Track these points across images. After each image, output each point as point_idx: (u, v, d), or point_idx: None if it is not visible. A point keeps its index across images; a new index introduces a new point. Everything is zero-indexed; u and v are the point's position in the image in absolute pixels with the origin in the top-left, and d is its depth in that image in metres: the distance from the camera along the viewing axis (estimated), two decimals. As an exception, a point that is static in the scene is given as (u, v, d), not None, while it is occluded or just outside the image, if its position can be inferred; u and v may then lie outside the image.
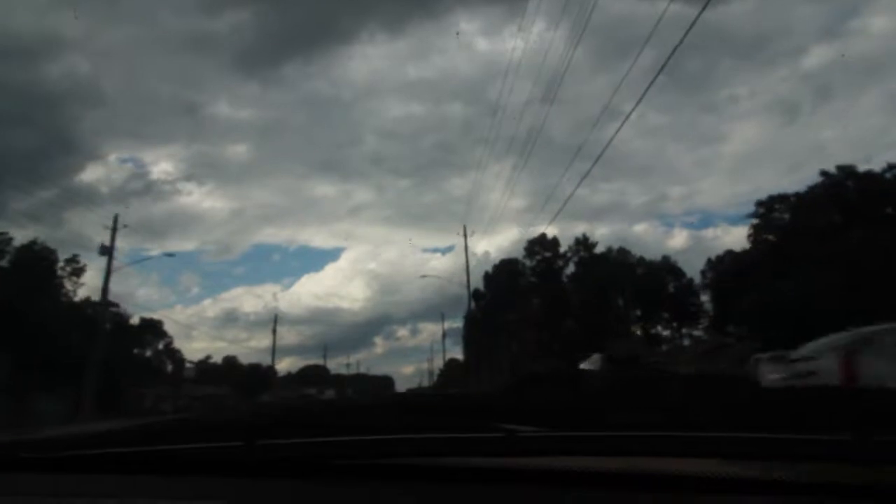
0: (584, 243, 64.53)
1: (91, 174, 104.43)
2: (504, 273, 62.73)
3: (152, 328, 71.73)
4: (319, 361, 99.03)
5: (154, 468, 1.30)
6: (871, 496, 0.95)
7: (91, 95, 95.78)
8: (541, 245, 61.18)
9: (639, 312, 62.33)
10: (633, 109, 14.28)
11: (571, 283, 61.58)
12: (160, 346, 74.25)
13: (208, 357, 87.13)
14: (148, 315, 70.35)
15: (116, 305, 57.11)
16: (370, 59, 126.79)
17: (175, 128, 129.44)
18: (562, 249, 63.68)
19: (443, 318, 65.99)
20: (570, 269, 63.26)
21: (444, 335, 66.93)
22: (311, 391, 71.89)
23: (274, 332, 62.42)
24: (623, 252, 64.81)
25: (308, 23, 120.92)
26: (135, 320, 65.11)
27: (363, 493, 1.13)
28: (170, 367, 75.35)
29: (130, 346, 62.17)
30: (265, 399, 58.81)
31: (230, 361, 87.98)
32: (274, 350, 63.45)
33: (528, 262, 63.12)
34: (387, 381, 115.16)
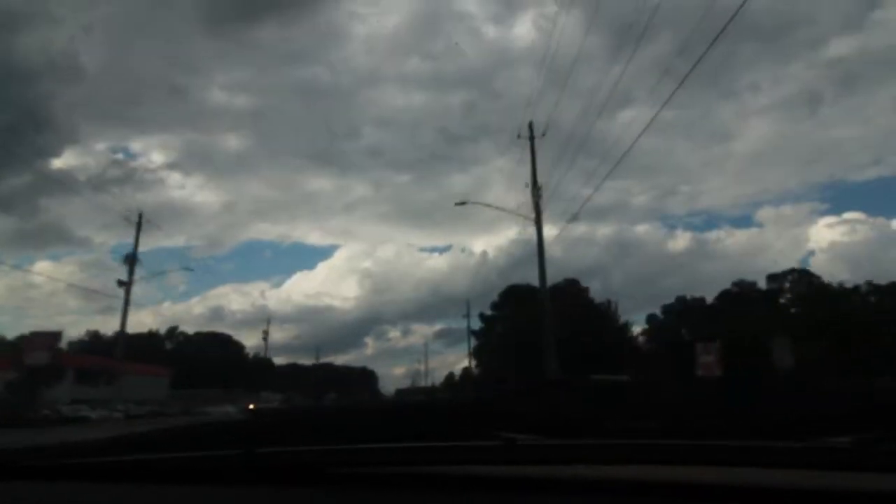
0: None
1: (70, 160, 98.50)
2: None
3: None
4: (310, 361, 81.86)
5: (154, 477, 1.29)
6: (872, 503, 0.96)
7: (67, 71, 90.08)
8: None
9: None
10: (657, 112, 14.16)
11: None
12: None
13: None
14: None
15: None
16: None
17: (162, 113, 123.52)
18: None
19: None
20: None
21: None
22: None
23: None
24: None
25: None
26: None
27: (363, 501, 1.13)
28: None
29: None
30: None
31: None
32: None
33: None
34: (366, 378, 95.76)
